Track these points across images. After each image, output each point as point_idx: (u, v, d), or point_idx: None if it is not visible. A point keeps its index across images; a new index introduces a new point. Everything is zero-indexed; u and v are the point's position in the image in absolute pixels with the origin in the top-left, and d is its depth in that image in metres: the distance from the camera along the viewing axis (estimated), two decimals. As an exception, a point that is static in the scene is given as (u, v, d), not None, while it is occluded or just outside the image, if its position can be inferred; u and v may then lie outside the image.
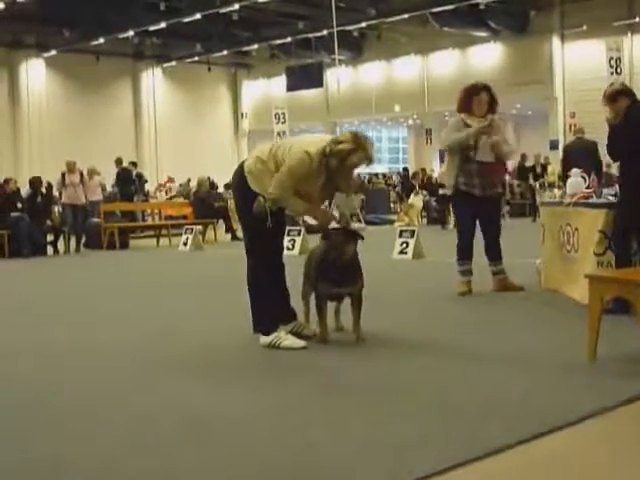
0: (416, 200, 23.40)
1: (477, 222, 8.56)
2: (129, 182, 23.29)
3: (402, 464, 3.51)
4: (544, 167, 26.03)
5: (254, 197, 5.92)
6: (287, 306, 6.37)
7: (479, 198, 8.35)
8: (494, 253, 8.56)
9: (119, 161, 23.63)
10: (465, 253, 8.56)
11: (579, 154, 13.89)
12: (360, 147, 5.79)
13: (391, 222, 23.77)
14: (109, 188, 25.67)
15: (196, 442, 3.92)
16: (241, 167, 6.10)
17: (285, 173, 5.81)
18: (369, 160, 5.86)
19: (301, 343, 6.02)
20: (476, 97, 8.32)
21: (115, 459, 3.73)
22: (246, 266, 6.21)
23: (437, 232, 19.67)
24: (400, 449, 3.71)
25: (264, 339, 6.06)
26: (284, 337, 6.04)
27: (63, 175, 18.48)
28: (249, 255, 6.19)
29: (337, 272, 6.04)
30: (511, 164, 29.91)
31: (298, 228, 15.41)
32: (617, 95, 7.06)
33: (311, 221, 7.22)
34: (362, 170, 40.87)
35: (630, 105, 7.00)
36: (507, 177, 7.83)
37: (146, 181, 27.88)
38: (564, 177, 10.69)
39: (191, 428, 4.15)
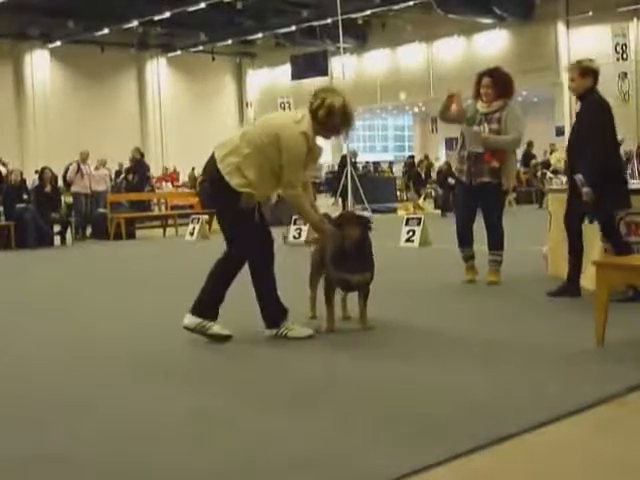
0: (425, 204, 23.58)
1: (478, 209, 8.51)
2: (145, 171, 23.27)
3: (408, 452, 3.51)
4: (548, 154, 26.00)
5: (238, 196, 5.78)
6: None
7: (468, 186, 8.31)
8: (489, 242, 8.44)
9: (138, 151, 23.48)
10: (460, 239, 8.53)
11: None
12: (335, 91, 5.92)
13: (396, 210, 23.77)
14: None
15: (204, 437, 3.92)
16: (216, 173, 5.84)
17: (292, 163, 5.76)
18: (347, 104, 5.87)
19: (308, 332, 6.01)
20: (480, 82, 8.29)
21: (126, 454, 3.72)
22: (248, 267, 6.01)
23: (445, 220, 19.62)
24: (406, 438, 3.71)
25: (270, 331, 6.05)
26: (291, 327, 6.02)
27: (78, 164, 18.82)
28: (242, 255, 5.97)
29: (348, 259, 6.04)
30: (519, 151, 29.73)
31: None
32: (589, 72, 7.14)
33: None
34: (368, 158, 40.67)
35: (591, 88, 7.14)
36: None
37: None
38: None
39: (196, 422, 4.15)
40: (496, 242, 8.36)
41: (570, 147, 7.37)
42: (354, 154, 25.31)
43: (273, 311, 6.07)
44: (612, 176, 7.04)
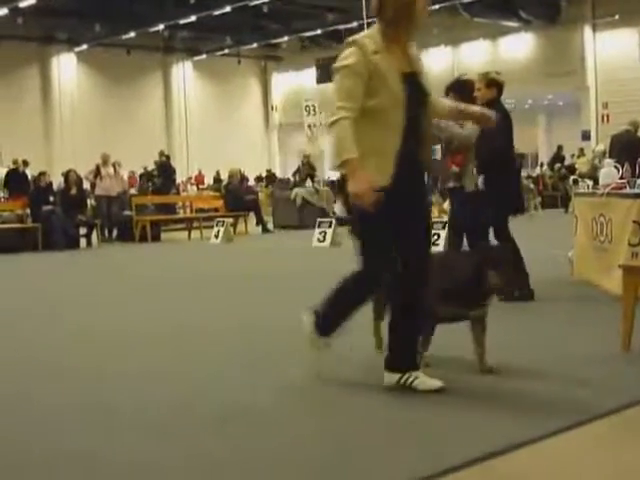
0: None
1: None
2: (170, 174, 23.45)
3: (430, 457, 3.50)
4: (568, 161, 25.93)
5: None
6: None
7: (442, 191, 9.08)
8: None
9: (162, 153, 23.63)
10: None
11: (624, 146, 13.83)
12: None
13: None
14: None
15: (230, 434, 3.93)
16: None
17: (335, 83, 4.39)
18: None
19: (437, 384, 4.49)
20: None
21: (146, 453, 3.74)
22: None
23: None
24: (428, 442, 3.71)
25: (390, 375, 4.59)
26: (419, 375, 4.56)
27: (98, 167, 18.92)
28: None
29: (466, 291, 4.76)
30: (546, 155, 29.61)
31: (329, 220, 15.38)
32: (494, 84, 7.53)
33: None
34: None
35: (495, 99, 7.45)
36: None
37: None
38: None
39: (220, 421, 4.16)
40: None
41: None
42: None
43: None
44: (501, 183, 7.37)
